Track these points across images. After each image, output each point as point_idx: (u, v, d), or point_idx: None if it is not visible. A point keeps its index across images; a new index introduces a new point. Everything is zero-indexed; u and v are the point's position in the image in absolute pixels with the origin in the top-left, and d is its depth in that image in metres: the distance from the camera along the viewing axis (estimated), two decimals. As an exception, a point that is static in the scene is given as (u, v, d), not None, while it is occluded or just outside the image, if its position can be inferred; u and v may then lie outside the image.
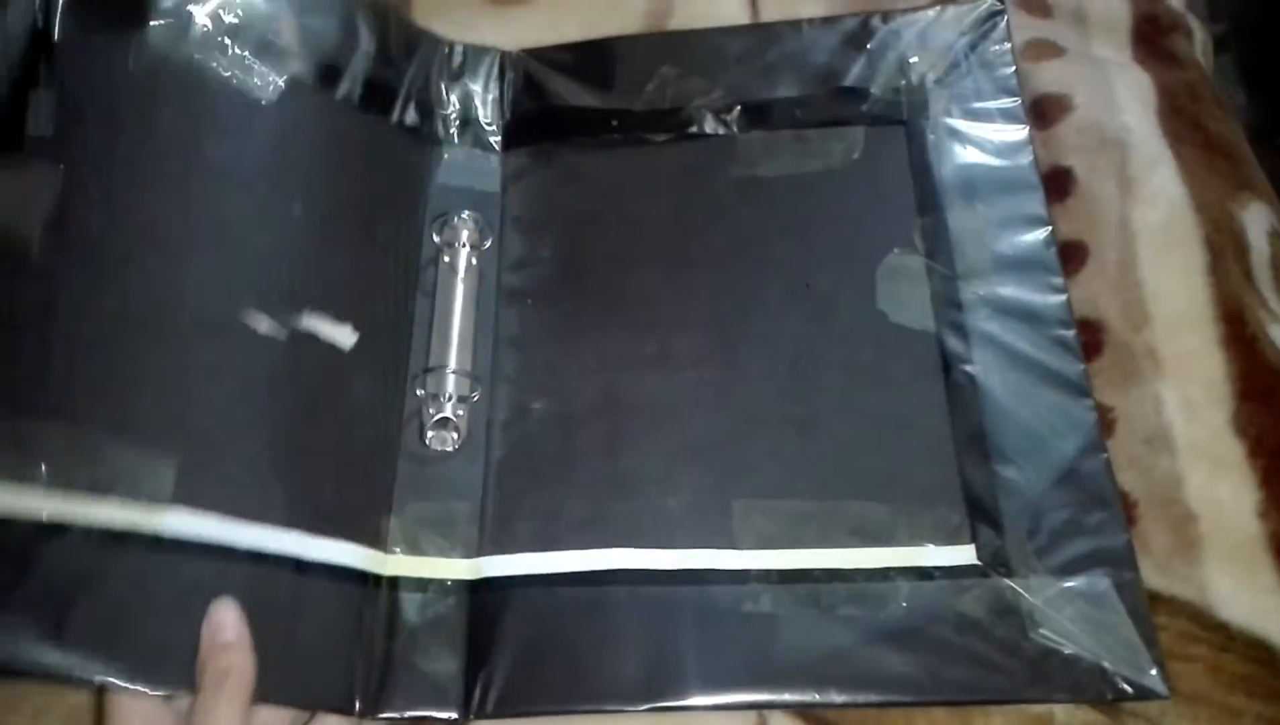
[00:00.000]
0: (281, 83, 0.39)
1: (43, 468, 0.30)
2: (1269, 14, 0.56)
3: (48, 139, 0.34)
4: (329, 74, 0.40)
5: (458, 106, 0.43)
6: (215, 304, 0.35)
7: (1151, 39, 0.47)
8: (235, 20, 0.38)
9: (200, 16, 0.38)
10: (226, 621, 0.30)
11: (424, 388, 0.38)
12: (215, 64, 0.38)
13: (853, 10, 0.45)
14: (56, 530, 0.30)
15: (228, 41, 0.38)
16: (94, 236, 0.34)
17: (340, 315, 0.37)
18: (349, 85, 0.41)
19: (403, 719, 0.33)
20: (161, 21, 0.37)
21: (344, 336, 0.37)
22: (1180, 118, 0.45)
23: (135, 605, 0.30)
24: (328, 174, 0.39)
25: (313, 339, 0.37)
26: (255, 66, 0.39)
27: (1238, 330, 0.39)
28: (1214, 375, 0.39)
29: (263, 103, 0.38)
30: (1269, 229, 0.43)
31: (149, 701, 0.30)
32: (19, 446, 0.30)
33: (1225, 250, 0.41)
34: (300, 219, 0.38)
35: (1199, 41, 0.49)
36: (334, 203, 0.39)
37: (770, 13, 0.48)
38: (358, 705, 0.32)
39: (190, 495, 0.32)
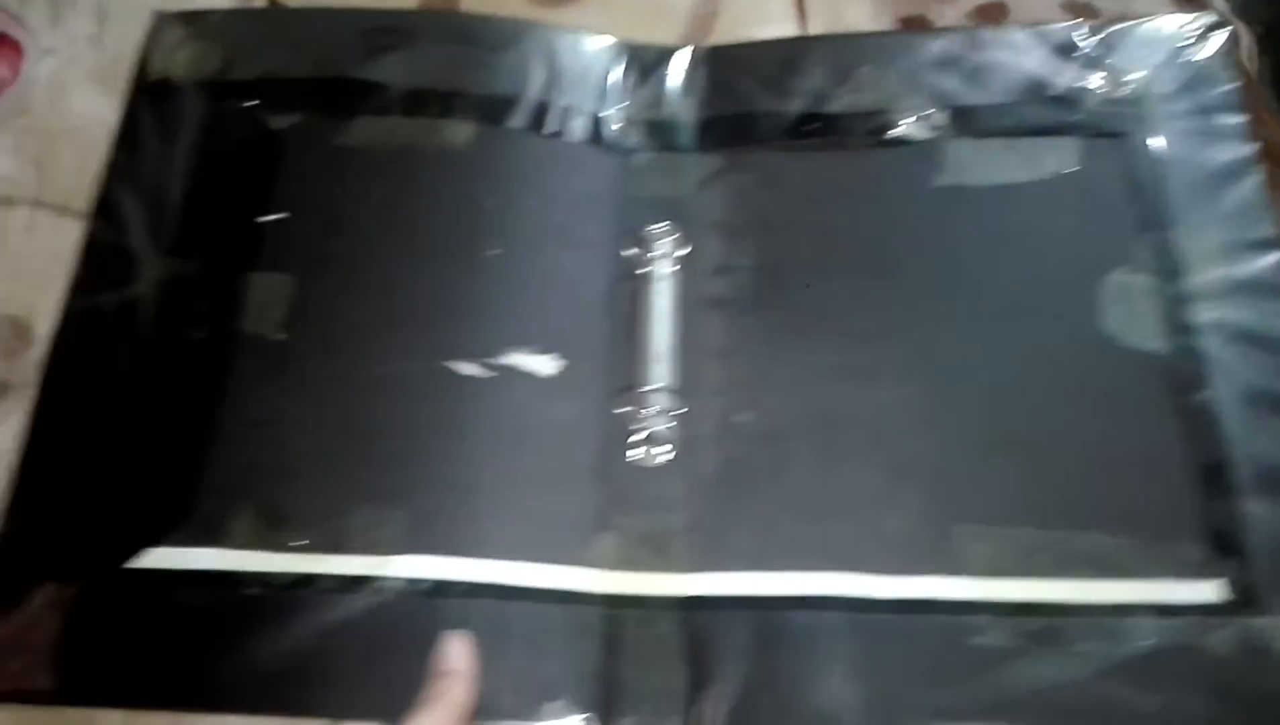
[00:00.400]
0: (470, 129, 0.41)
1: (294, 537, 0.35)
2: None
3: (282, 221, 0.39)
4: (507, 106, 0.42)
5: (645, 110, 0.42)
6: (426, 357, 0.37)
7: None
8: (424, 87, 0.42)
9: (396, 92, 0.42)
10: (451, 652, 0.32)
11: (629, 403, 0.37)
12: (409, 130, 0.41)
13: (899, 14, 0.45)
14: (305, 584, 0.34)
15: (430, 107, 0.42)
16: (320, 313, 0.38)
17: (541, 343, 0.38)
18: (526, 112, 0.42)
19: (629, 736, 0.33)
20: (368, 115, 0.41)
21: (546, 365, 0.37)
22: None
23: (375, 645, 0.33)
24: (518, 206, 0.40)
25: (517, 371, 0.37)
26: (446, 123, 0.41)
27: None
28: None
29: (453, 153, 0.41)
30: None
31: None
32: (276, 521, 0.35)
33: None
34: (497, 257, 0.39)
35: (1245, 46, 0.47)
36: (527, 233, 0.40)
37: (817, 16, 0.46)
38: (586, 723, 0.32)
39: (418, 540, 0.34)
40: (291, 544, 0.34)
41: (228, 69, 0.42)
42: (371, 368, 0.37)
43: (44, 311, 0.41)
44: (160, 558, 0.34)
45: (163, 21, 0.44)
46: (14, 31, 0.46)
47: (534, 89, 0.42)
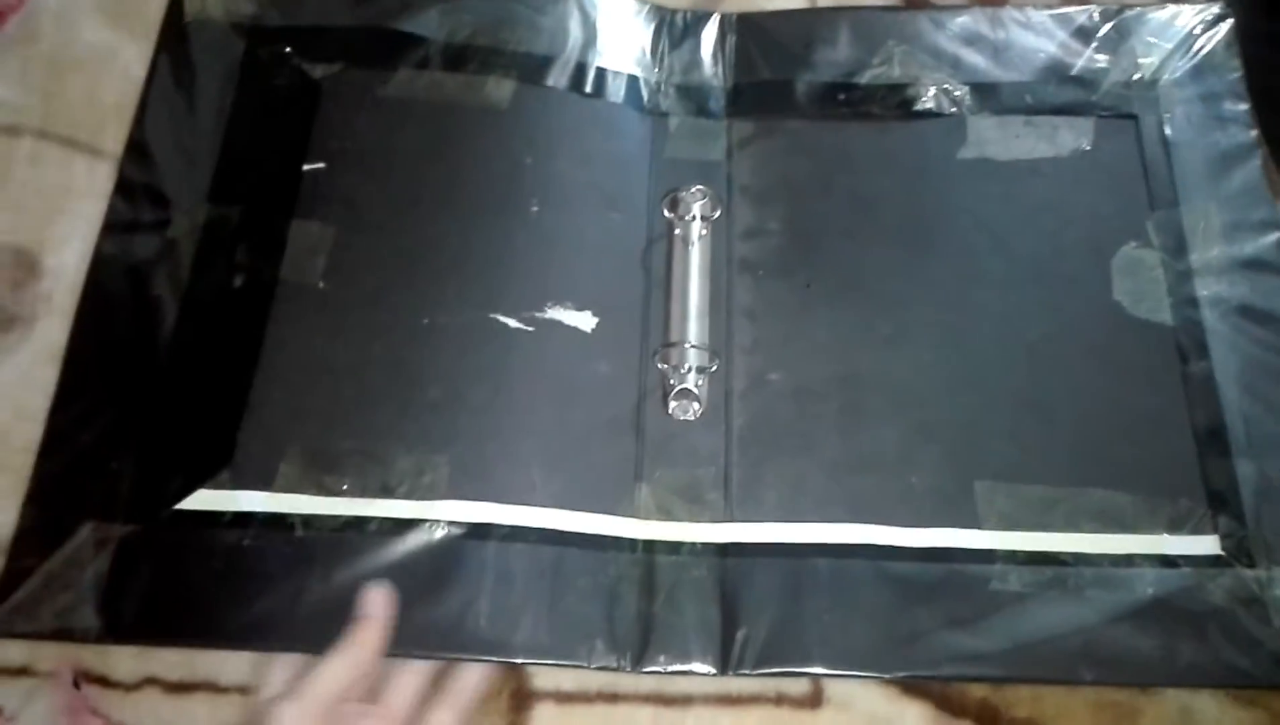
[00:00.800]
0: (510, 86, 0.41)
1: (340, 481, 0.35)
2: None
3: (321, 171, 0.40)
4: (546, 65, 0.42)
5: (679, 75, 0.43)
6: (471, 309, 0.38)
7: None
8: (464, 42, 0.42)
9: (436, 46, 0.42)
10: (369, 599, 0.34)
11: (665, 360, 0.38)
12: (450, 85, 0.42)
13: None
14: (352, 527, 0.35)
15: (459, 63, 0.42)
16: (361, 263, 0.39)
17: (580, 300, 0.38)
18: (564, 72, 0.42)
19: (664, 673, 0.34)
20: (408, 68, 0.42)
21: (585, 321, 0.38)
22: None
23: (419, 586, 0.34)
24: (557, 164, 0.41)
25: (557, 326, 0.38)
26: (486, 79, 0.42)
27: None
28: None
29: (494, 109, 0.41)
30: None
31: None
32: (323, 465, 0.36)
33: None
34: (536, 214, 0.39)
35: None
36: (566, 191, 0.40)
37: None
38: (621, 660, 0.34)
39: (460, 486, 0.35)
40: (337, 487, 0.35)
41: (263, 14, 0.42)
42: (413, 318, 0.38)
43: (51, 244, 0.41)
44: (208, 499, 0.35)
45: (196, -37, 0.43)
46: (22, -44, 0.45)
47: (572, 49, 0.43)
